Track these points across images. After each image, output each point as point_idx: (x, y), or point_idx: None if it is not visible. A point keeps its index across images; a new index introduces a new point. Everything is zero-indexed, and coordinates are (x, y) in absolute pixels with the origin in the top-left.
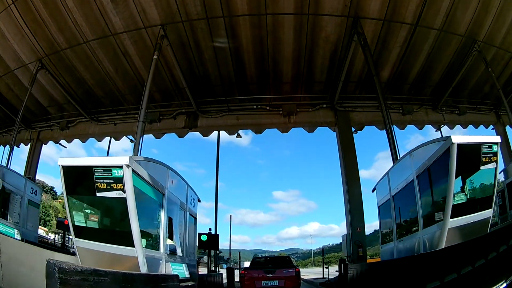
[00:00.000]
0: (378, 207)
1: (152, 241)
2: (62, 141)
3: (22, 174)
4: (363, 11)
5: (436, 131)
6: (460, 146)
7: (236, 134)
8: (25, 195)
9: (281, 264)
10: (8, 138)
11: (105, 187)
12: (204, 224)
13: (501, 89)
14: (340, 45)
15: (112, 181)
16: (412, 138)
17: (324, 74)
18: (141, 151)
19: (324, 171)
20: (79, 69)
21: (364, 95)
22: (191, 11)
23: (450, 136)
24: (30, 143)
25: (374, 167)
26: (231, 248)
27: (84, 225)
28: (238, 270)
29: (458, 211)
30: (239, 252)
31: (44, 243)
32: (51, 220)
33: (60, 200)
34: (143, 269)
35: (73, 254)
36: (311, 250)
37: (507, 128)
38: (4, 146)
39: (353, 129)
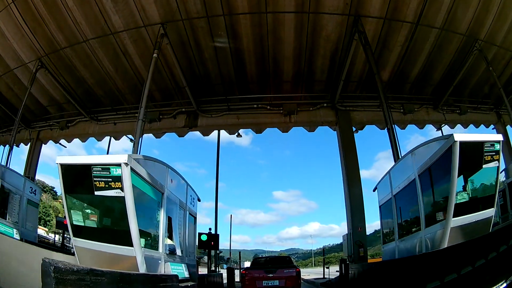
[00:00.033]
0: (380, 207)
1: (151, 241)
2: (62, 141)
3: (22, 174)
4: (364, 10)
5: (437, 130)
6: (463, 144)
7: (237, 134)
8: (24, 195)
9: (282, 264)
10: (8, 137)
11: (103, 185)
12: (204, 224)
13: (502, 88)
14: (341, 44)
15: (111, 179)
16: (412, 138)
17: (325, 73)
18: (140, 151)
19: (324, 171)
20: (79, 68)
21: (365, 94)
22: (191, 10)
23: (452, 134)
24: (29, 143)
25: (375, 167)
26: (231, 248)
27: (83, 224)
28: (238, 270)
29: (461, 210)
30: (239, 252)
31: (44, 243)
32: (51, 220)
33: (60, 200)
34: (142, 269)
35: (73, 254)
36: (311, 250)
37: (508, 127)
38: (4, 146)
39: (353, 129)
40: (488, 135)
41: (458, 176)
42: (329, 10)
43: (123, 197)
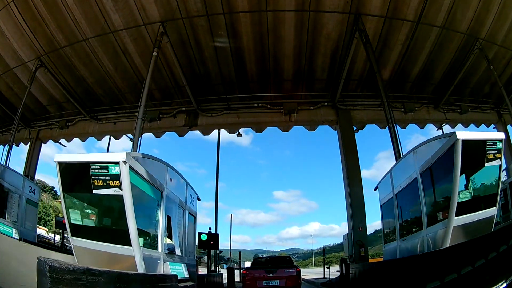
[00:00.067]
0: (381, 206)
1: (150, 240)
2: (62, 141)
3: (22, 174)
4: (365, 8)
5: (437, 130)
6: (465, 142)
7: (237, 133)
8: (24, 194)
9: (282, 264)
10: (7, 137)
11: (101, 184)
12: (204, 224)
13: (503, 87)
14: (342, 42)
15: (109, 177)
16: (413, 138)
17: (325, 72)
18: (140, 150)
19: (324, 171)
20: (79, 67)
21: (366, 93)
22: (191, 8)
23: (454, 132)
24: (29, 142)
25: (375, 167)
26: (231, 248)
27: (81, 223)
28: (238, 270)
29: (463, 209)
30: (240, 252)
31: (44, 243)
32: (52, 220)
33: (60, 200)
34: (141, 269)
35: (72, 253)
36: (311, 250)
37: (509, 127)
38: (4, 145)
39: (354, 128)
40: (490, 133)
41: (461, 174)
42: (329, 8)
43: (121, 196)
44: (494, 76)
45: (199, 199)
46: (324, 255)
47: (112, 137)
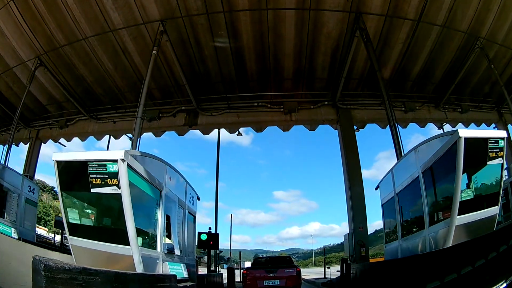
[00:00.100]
0: (382, 205)
1: (148, 240)
2: (62, 140)
3: (22, 173)
4: (365, 6)
5: (438, 129)
6: (467, 140)
7: (237, 132)
8: (23, 193)
9: (282, 264)
10: (7, 137)
11: (99, 182)
12: (205, 224)
13: (503, 86)
14: (342, 41)
15: (107, 176)
16: (412, 138)
17: (326, 71)
18: (139, 150)
19: (325, 171)
20: (78, 66)
21: (366, 92)
22: (191, 6)
23: (457, 130)
24: (29, 142)
25: (375, 167)
26: (231, 248)
27: (79, 222)
28: (238, 270)
29: (465, 208)
30: (240, 252)
31: (45, 243)
32: (52, 220)
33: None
34: (139, 269)
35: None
36: (312, 250)
37: (509, 126)
38: (4, 145)
39: (354, 127)
40: (492, 131)
41: (463, 173)
42: (330, 7)
43: (120, 194)
44: (494, 75)
45: (198, 199)
46: (325, 255)
47: (112, 137)
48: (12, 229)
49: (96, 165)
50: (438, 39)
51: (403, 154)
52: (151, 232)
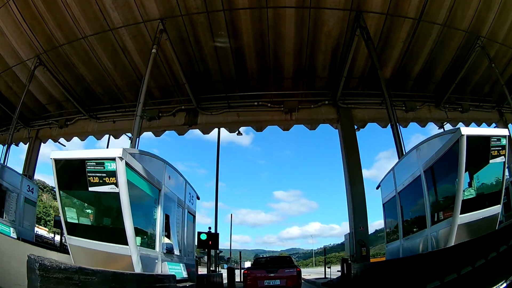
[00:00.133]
0: (383, 205)
1: (147, 239)
2: (62, 140)
3: (21, 173)
4: (366, 5)
5: (438, 128)
6: (470, 138)
7: (237, 132)
8: (22, 193)
9: (283, 264)
10: (7, 136)
11: (97, 181)
12: (205, 223)
13: (504, 85)
14: (343, 39)
15: (105, 174)
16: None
17: (326, 70)
18: (138, 149)
19: (325, 171)
20: (78, 65)
21: (367, 91)
22: (191, 5)
23: (459, 128)
24: (28, 142)
25: (375, 167)
26: (231, 248)
27: (77, 221)
28: (238, 270)
29: (468, 206)
30: (240, 252)
31: (46, 243)
32: (52, 220)
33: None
34: (138, 269)
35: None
36: (312, 250)
37: (510, 126)
38: (4, 145)
39: (355, 127)
40: (494, 130)
41: (465, 171)
42: (330, 5)
43: (118, 193)
44: (495, 74)
45: (198, 198)
46: (325, 255)
47: (111, 137)
48: (11, 228)
49: (94, 164)
50: (438, 38)
51: (404, 153)
52: (150, 232)
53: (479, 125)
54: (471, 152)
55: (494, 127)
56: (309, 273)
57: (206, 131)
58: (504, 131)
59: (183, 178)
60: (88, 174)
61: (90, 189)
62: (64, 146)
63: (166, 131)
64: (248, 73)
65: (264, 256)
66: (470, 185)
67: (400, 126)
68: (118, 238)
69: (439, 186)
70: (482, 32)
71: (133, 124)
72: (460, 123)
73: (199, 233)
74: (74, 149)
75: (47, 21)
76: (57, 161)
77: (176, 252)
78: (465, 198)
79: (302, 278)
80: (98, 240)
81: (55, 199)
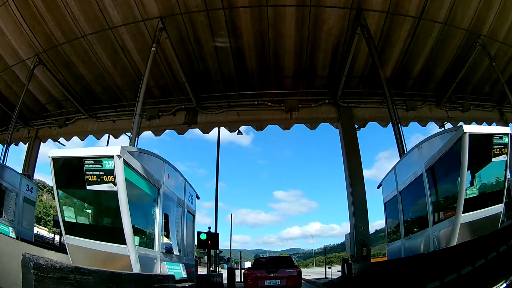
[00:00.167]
0: (384, 204)
1: (146, 239)
2: (61, 140)
3: (21, 173)
4: (366, 3)
5: (439, 128)
6: (472, 136)
7: (237, 131)
8: (21, 192)
9: (283, 264)
10: (6, 136)
11: (95, 179)
12: (205, 223)
13: (505, 84)
14: (343, 38)
15: (103, 173)
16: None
17: (327, 69)
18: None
19: (325, 171)
20: (77, 64)
21: (367, 90)
22: (191, 3)
23: (461, 126)
24: (28, 141)
25: (375, 167)
26: (232, 248)
27: (75, 221)
28: (239, 270)
29: (470, 205)
30: (240, 252)
31: (47, 243)
32: (52, 220)
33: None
34: (136, 269)
35: None
36: (312, 250)
37: (511, 125)
38: (3, 145)
39: (356, 126)
40: (496, 128)
41: (467, 169)
42: (330, 3)
43: (116, 192)
44: (496, 73)
45: (198, 197)
46: (325, 255)
47: (111, 136)
48: (10, 228)
49: (92, 162)
50: (439, 37)
51: (405, 153)
52: (148, 231)
53: (479, 124)
54: (473, 150)
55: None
56: (310, 273)
57: (206, 130)
58: (506, 129)
59: (183, 177)
60: (86, 173)
61: (88, 187)
62: (64, 145)
63: (166, 131)
64: (248, 72)
65: (264, 256)
66: (472, 183)
67: (401, 126)
68: (116, 237)
69: (441, 185)
70: (483, 31)
71: (132, 123)
72: (461, 122)
73: (199, 233)
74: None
75: (46, 20)
76: (55, 159)
77: (176, 252)
78: (467, 196)
79: (303, 278)
80: (96, 240)
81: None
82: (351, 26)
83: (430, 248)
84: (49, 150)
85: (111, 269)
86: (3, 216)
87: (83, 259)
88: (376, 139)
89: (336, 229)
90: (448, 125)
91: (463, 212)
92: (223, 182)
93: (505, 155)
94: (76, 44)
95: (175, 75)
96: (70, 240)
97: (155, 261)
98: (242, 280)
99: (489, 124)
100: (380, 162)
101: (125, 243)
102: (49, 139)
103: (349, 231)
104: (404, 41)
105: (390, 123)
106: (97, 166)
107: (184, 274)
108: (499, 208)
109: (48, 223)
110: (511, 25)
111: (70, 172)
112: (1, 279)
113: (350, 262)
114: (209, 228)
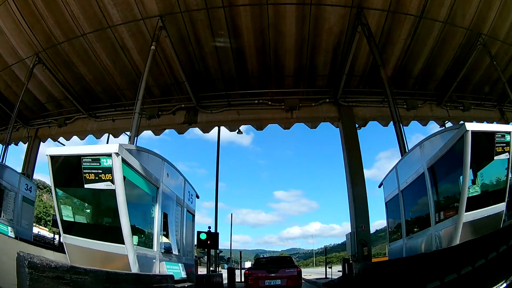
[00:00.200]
0: (386, 203)
1: (144, 238)
2: (61, 139)
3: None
4: (367, 2)
5: (440, 127)
6: (475, 133)
7: (237, 130)
8: (20, 192)
9: (283, 264)
10: (6, 135)
11: (93, 178)
12: (205, 223)
13: (506, 83)
14: (344, 37)
15: (101, 171)
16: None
17: (327, 68)
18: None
19: (325, 171)
20: (77, 64)
21: (368, 89)
22: (190, 2)
23: (464, 123)
24: (28, 141)
25: (376, 167)
26: (232, 248)
27: (72, 220)
28: (239, 270)
29: (472, 204)
30: (240, 252)
31: (46, 243)
32: (51, 220)
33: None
34: (134, 269)
35: None
36: (312, 250)
37: (511, 125)
38: (3, 144)
39: (356, 125)
40: (498, 125)
41: (470, 168)
42: (331, 2)
43: (114, 190)
44: (497, 72)
45: (198, 197)
46: (326, 255)
47: (111, 135)
48: (9, 227)
49: (90, 160)
50: (440, 36)
51: (406, 151)
52: (147, 231)
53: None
54: (475, 148)
55: None
56: (310, 273)
57: (206, 129)
58: (508, 127)
59: (182, 176)
60: (84, 171)
61: (86, 186)
62: (64, 145)
63: (166, 130)
64: (248, 71)
65: (265, 256)
66: (474, 182)
67: (401, 125)
68: (114, 236)
69: (443, 184)
70: (484, 30)
71: (132, 122)
72: (461, 121)
73: (199, 233)
74: None
75: (46, 18)
76: (53, 158)
77: (175, 251)
78: (469, 195)
79: (303, 278)
80: (94, 239)
81: None
82: (351, 25)
83: (432, 247)
84: (47, 149)
85: (109, 268)
86: (2, 216)
87: (81, 259)
88: (376, 139)
89: (336, 229)
90: (448, 125)
91: (466, 211)
92: (223, 182)
93: (507, 153)
94: (75, 43)
95: (175, 74)
96: (68, 239)
97: (154, 261)
98: (242, 280)
99: (490, 123)
100: (380, 162)
101: (123, 243)
102: (49, 139)
103: (350, 231)
104: (404, 40)
105: (391, 122)
106: (95, 164)
107: (183, 274)
108: (501, 207)
109: (48, 223)
110: (511, 25)
111: (68, 171)
112: (0, 279)
113: (350, 262)
114: (209, 227)
